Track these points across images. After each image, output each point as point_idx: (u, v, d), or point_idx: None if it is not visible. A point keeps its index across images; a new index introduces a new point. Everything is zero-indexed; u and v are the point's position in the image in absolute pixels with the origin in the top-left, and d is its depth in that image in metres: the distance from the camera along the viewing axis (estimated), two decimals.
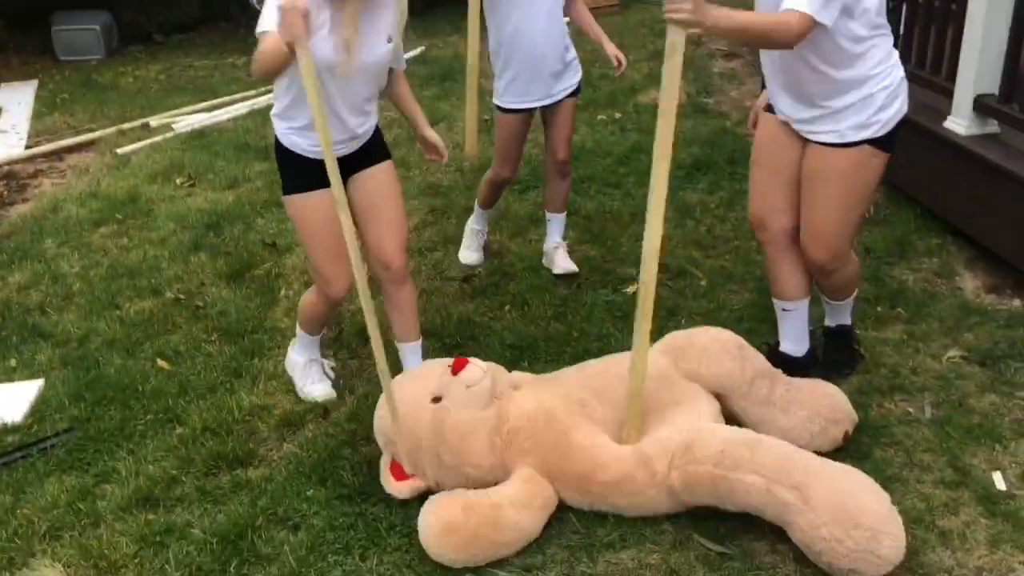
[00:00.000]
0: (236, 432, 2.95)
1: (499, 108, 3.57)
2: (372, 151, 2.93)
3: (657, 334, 3.33)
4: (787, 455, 2.28)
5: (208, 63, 8.54)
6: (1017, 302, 3.36)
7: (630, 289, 3.70)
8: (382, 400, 2.62)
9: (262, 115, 6.45)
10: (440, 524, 2.33)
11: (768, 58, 2.62)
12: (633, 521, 2.40)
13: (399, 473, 2.56)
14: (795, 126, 2.65)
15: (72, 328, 3.68)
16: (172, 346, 3.51)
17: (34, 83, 7.86)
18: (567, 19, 3.54)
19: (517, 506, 2.36)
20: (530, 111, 3.55)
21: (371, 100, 2.82)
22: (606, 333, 3.37)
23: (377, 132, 2.97)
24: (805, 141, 2.65)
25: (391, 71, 2.87)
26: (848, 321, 3.05)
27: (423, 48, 8.05)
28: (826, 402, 2.64)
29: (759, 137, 2.84)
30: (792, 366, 2.83)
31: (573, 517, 2.44)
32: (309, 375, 3.18)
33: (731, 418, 2.60)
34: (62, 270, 4.23)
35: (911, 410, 2.79)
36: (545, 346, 3.31)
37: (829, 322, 3.08)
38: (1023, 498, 2.41)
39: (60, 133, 6.39)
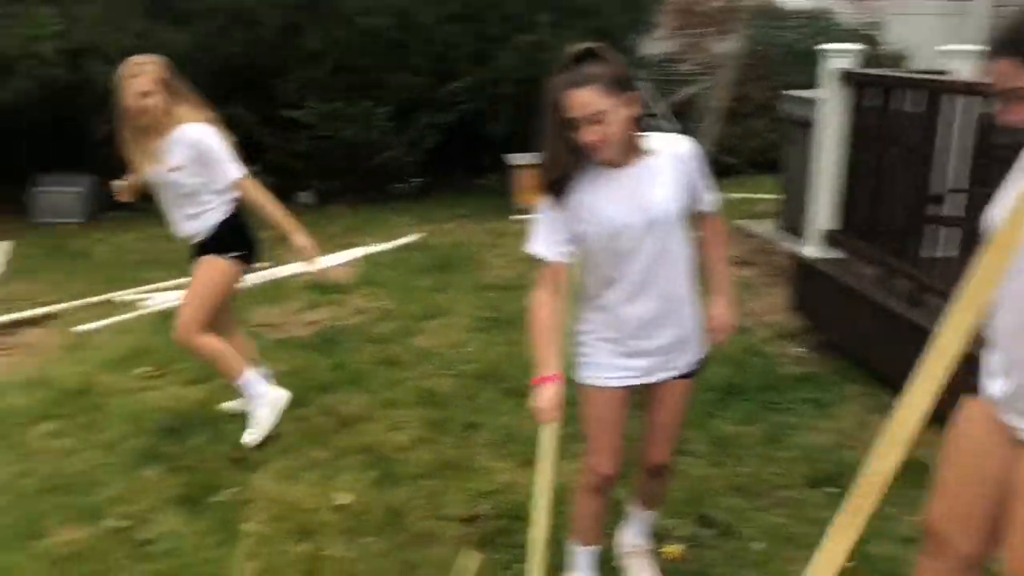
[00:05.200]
0: None
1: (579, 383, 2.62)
2: (206, 246, 3.84)
3: None
4: None
5: None
6: None
7: (668, 550, 3.05)
8: None
9: (243, 297, 5.94)
10: None
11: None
12: None
13: None
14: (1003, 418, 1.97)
15: None
16: None
17: (7, 245, 7.38)
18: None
19: None
20: (625, 389, 2.59)
21: (184, 207, 3.80)
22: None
23: (213, 233, 3.81)
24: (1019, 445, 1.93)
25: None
26: None
27: (422, 235, 7.71)
28: None
29: (959, 424, 2.11)
30: None
31: None
32: None
33: None
34: None
35: None
36: None
37: None
38: None
39: (17, 304, 5.81)
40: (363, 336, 5.19)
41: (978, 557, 2.05)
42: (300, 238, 3.84)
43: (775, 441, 3.83)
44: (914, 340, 2.20)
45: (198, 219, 3.81)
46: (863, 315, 4.36)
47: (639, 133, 2.39)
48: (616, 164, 2.39)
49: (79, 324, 5.37)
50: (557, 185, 2.39)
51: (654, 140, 2.44)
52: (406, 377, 4.59)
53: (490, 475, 3.58)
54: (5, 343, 5.24)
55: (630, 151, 2.39)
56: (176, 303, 5.70)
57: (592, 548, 2.76)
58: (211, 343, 3.82)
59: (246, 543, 3.09)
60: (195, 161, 3.72)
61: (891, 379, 4.19)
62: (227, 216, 3.83)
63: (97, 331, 5.29)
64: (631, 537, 2.89)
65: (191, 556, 3.01)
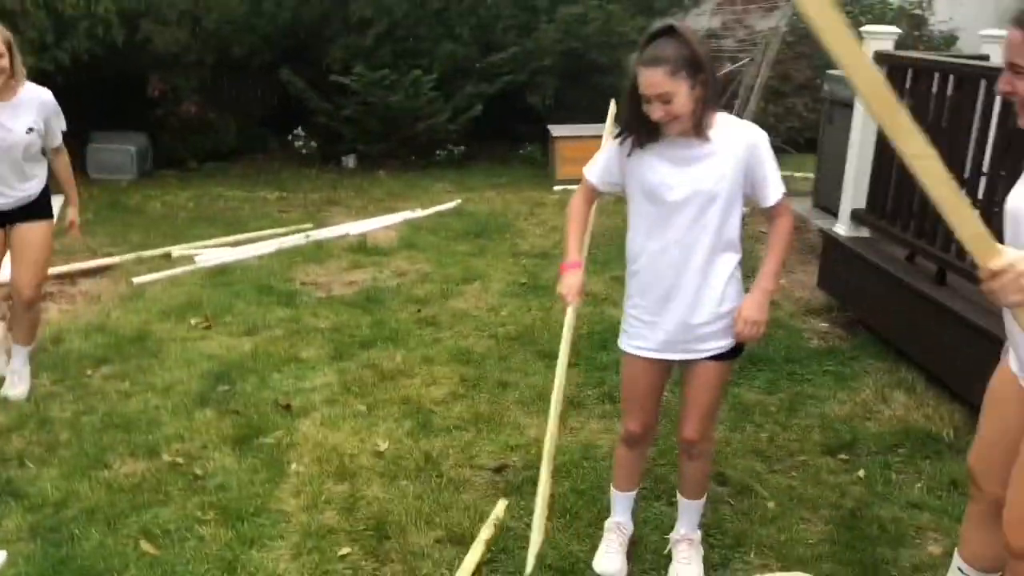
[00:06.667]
0: None
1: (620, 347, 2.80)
2: (34, 210, 3.91)
3: (722, 568, 2.92)
4: None
5: (240, 194, 8.41)
6: None
7: None
8: None
9: (289, 256, 6.20)
10: None
11: None
12: None
13: None
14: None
15: (50, 489, 3.24)
16: (161, 523, 3.06)
17: (60, 199, 7.67)
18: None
19: None
20: (652, 361, 2.72)
21: (21, 169, 3.81)
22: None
23: (40, 196, 3.93)
24: None
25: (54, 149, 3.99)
26: None
27: (459, 202, 7.89)
28: None
29: (992, 383, 2.30)
30: None
31: None
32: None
33: None
34: (51, 414, 3.82)
35: None
36: (592, 571, 2.84)
37: None
38: None
39: (77, 255, 6.11)
40: (402, 297, 5.41)
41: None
42: (74, 211, 4.20)
43: (794, 410, 3.98)
44: (937, 319, 2.30)
45: (31, 181, 3.87)
46: (888, 293, 4.48)
47: (709, 113, 2.46)
48: (683, 136, 2.49)
49: (136, 275, 5.64)
50: (627, 140, 2.57)
51: (724, 122, 2.52)
52: (443, 337, 4.80)
53: (520, 429, 3.78)
54: (66, 292, 5.53)
55: (697, 128, 2.47)
56: (226, 260, 5.98)
57: (627, 493, 2.96)
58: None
59: (291, 481, 3.33)
60: (45, 120, 3.81)
61: (913, 356, 4.32)
62: (46, 179, 3.97)
63: (153, 283, 5.56)
64: (680, 527, 2.95)
65: (240, 491, 3.26)
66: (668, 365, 2.73)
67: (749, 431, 3.80)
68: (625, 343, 2.74)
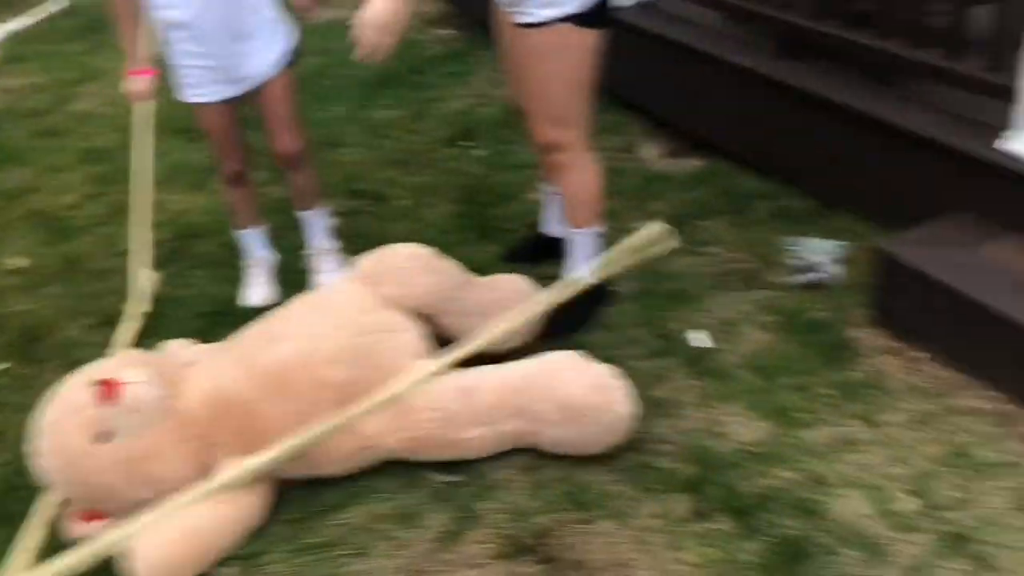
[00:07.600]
0: None
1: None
2: None
3: None
4: (499, 386, 2.20)
5: None
6: (695, 162, 3.49)
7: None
8: (43, 444, 2.12)
9: None
10: (164, 563, 2.02)
11: None
12: (360, 474, 2.25)
13: (89, 514, 2.16)
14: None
15: None
16: None
17: None
18: None
19: (230, 501, 2.11)
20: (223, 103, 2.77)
21: None
22: (307, 272, 3.14)
23: None
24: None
25: None
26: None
27: (68, 1, 7.14)
28: (521, 300, 2.61)
29: (494, 24, 2.60)
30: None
31: (294, 490, 2.25)
32: None
33: (439, 334, 2.48)
34: None
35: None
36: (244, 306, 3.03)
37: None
38: (726, 351, 2.51)
39: None
40: (16, 114, 4.98)
41: None
42: None
43: (421, 117, 4.23)
44: None
45: None
46: None
47: None
48: None
49: None
50: None
51: None
52: (67, 143, 4.55)
53: (162, 206, 3.76)
54: None
55: None
56: None
57: (251, 230, 3.10)
58: None
59: None
60: None
61: None
62: None
63: None
64: (313, 240, 3.11)
65: None
66: (237, 99, 2.79)
67: (386, 146, 4.02)
68: (192, 95, 2.76)
